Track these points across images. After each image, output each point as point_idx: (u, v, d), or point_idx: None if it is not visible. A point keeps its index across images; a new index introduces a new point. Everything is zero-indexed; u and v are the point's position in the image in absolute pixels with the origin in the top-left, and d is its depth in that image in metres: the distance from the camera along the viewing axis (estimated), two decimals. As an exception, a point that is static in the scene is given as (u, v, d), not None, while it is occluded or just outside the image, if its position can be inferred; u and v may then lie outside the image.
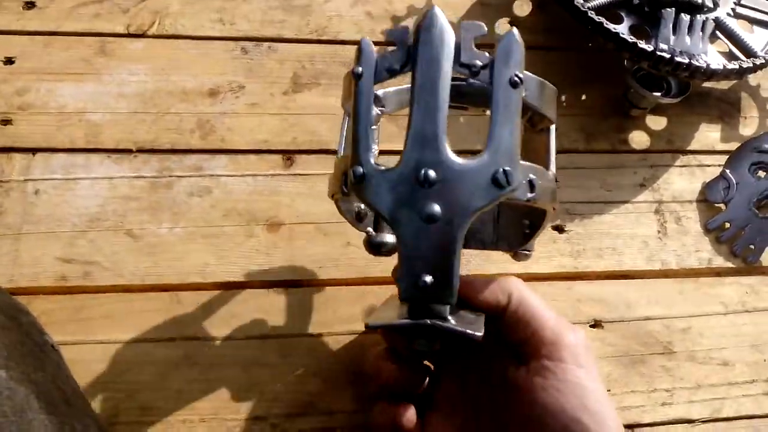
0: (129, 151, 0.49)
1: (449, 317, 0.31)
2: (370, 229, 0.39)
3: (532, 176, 0.31)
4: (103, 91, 0.51)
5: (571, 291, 0.49)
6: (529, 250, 0.38)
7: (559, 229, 0.51)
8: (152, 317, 0.44)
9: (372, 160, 0.30)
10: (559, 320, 0.36)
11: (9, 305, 0.35)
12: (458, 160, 0.30)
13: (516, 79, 0.30)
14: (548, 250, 0.50)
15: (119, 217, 0.47)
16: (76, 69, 0.52)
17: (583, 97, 0.57)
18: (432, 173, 0.29)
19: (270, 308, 0.45)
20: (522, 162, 0.31)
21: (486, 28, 0.30)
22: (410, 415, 0.37)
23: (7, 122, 0.49)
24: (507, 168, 0.30)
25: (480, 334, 0.31)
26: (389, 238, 0.38)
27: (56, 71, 0.51)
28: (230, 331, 0.44)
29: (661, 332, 0.49)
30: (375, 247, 0.38)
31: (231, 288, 0.46)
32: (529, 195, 0.31)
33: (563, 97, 0.57)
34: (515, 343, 0.36)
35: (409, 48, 0.31)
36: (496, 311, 0.36)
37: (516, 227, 0.40)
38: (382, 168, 0.30)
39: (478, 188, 0.30)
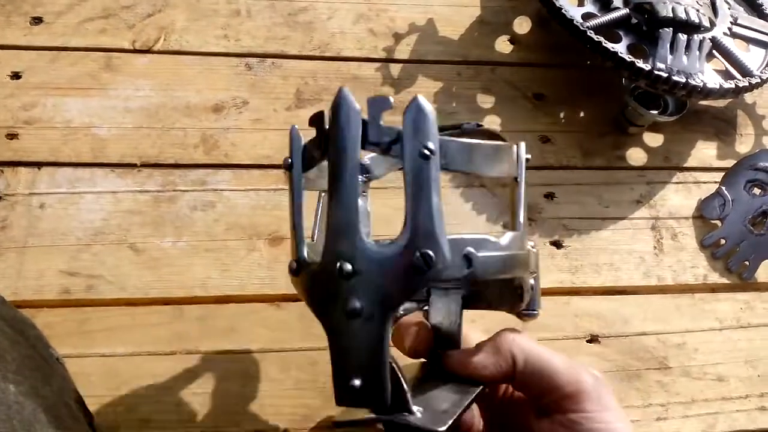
0: (133, 165, 0.50)
1: (414, 409, 0.29)
2: None
3: (469, 249, 0.29)
4: (109, 106, 0.52)
5: (568, 306, 0.50)
6: (533, 310, 0.36)
7: (557, 244, 0.52)
8: (154, 331, 0.44)
9: (305, 253, 0.29)
10: (572, 367, 0.34)
11: (16, 319, 0.35)
12: (374, 248, 0.27)
13: (426, 151, 0.27)
14: (546, 266, 0.51)
15: (123, 231, 0.47)
16: (83, 84, 0.53)
17: (581, 114, 0.58)
18: (348, 266, 0.27)
19: (270, 322, 0.46)
20: (456, 235, 0.28)
21: (392, 102, 0.28)
22: None
23: (13, 136, 0.50)
24: (425, 250, 0.27)
25: (442, 428, 0.29)
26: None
27: (62, 86, 0.52)
28: (231, 345, 0.45)
29: (657, 347, 0.49)
30: None
31: (232, 302, 0.46)
32: (466, 271, 0.28)
33: (562, 114, 0.58)
34: (533, 397, 0.35)
35: (324, 134, 0.29)
36: (504, 378, 0.34)
37: (508, 292, 0.37)
38: (312, 262, 0.29)
39: (397, 277, 0.27)
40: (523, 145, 0.34)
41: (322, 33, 0.58)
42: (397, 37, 0.59)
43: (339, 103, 0.28)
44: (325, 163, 0.29)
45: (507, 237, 0.31)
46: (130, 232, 0.48)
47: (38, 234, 0.47)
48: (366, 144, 0.28)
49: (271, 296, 0.47)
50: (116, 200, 0.49)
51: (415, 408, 0.30)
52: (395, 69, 0.58)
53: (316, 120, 0.30)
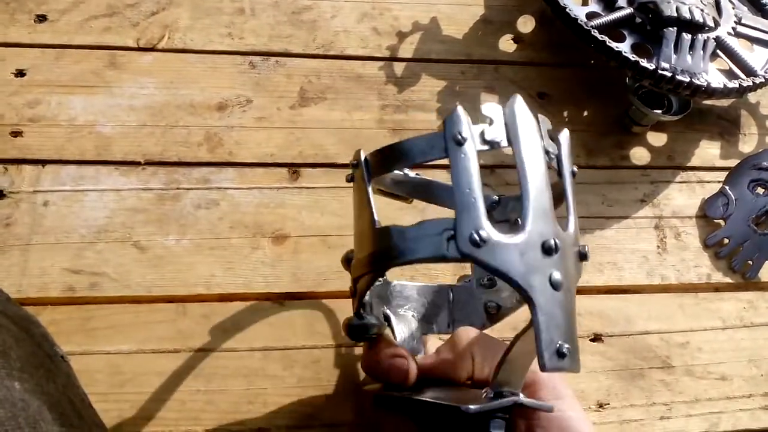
0: (137, 163, 0.50)
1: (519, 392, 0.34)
2: (352, 316, 0.38)
3: (584, 247, 0.34)
4: (113, 104, 0.52)
5: (571, 305, 0.50)
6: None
7: (560, 243, 0.52)
8: (158, 328, 0.45)
9: (490, 226, 0.30)
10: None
11: (21, 317, 0.35)
12: (563, 233, 0.31)
13: (575, 170, 0.34)
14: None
15: (127, 229, 0.48)
16: (87, 82, 0.53)
17: (585, 114, 0.58)
18: (553, 243, 0.30)
19: (274, 320, 0.46)
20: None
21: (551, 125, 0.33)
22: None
23: (17, 134, 0.50)
24: (584, 245, 0.33)
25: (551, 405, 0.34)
26: (372, 320, 0.38)
27: (67, 84, 0.52)
28: (234, 343, 0.45)
29: (660, 346, 0.49)
30: (358, 332, 0.38)
31: (236, 300, 0.46)
32: (579, 264, 0.33)
33: (565, 113, 0.58)
34: None
35: (506, 124, 0.31)
36: (466, 374, 0.36)
37: (475, 307, 0.42)
38: (505, 235, 0.30)
39: (575, 261, 0.32)
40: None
41: (325, 31, 0.58)
42: (401, 36, 0.59)
43: (523, 107, 0.32)
44: None
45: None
46: (134, 229, 0.48)
47: (42, 231, 0.47)
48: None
49: (275, 294, 0.47)
50: (120, 198, 0.49)
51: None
52: (399, 68, 0.58)
53: (491, 109, 0.32)
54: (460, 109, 0.31)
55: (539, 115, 0.33)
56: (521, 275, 0.29)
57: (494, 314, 0.42)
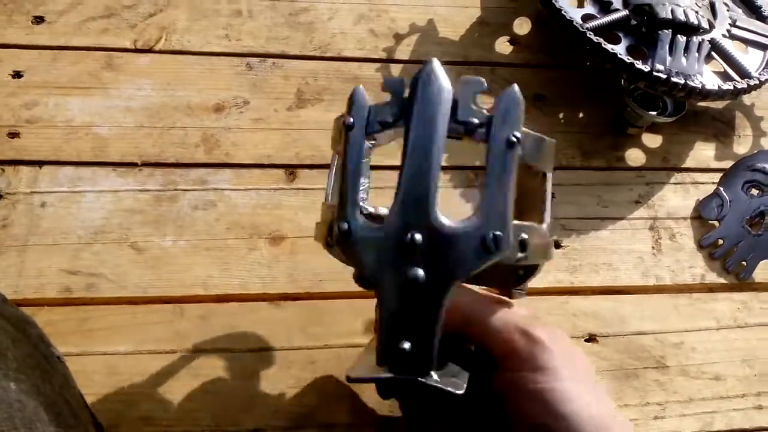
0: (134, 164, 0.50)
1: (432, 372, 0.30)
2: None
3: (524, 236, 0.30)
4: (110, 105, 0.52)
5: (567, 306, 0.50)
6: (523, 290, 0.37)
7: (556, 244, 0.52)
8: (155, 329, 0.45)
9: (359, 217, 0.29)
10: (507, 326, 0.34)
11: (17, 317, 0.36)
12: (447, 223, 0.29)
13: (513, 138, 0.29)
14: (545, 265, 0.51)
15: (124, 230, 0.48)
16: (84, 83, 0.53)
17: (581, 115, 0.58)
18: (418, 237, 0.28)
19: (271, 321, 0.46)
20: (515, 221, 0.29)
21: (486, 84, 0.30)
22: None
23: (14, 135, 0.50)
24: (497, 233, 0.28)
25: (461, 391, 0.30)
26: None
27: (64, 85, 0.52)
28: (231, 344, 0.45)
29: (655, 347, 0.50)
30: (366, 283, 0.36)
31: (233, 301, 0.47)
32: (520, 255, 0.30)
33: (561, 115, 0.58)
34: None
35: (403, 101, 0.30)
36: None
37: (509, 271, 0.38)
38: (368, 226, 0.29)
39: (466, 253, 0.29)
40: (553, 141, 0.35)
41: (322, 33, 0.58)
42: (398, 38, 0.59)
43: (430, 75, 0.29)
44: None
45: (545, 227, 0.32)
46: (131, 231, 0.48)
47: (39, 233, 0.47)
48: (452, 121, 0.29)
49: (272, 295, 0.47)
50: (117, 199, 0.49)
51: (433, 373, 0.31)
52: (396, 69, 0.58)
53: (394, 84, 0.30)
54: (357, 91, 0.30)
55: (470, 78, 0.29)
56: (371, 269, 0.29)
57: (522, 276, 0.38)
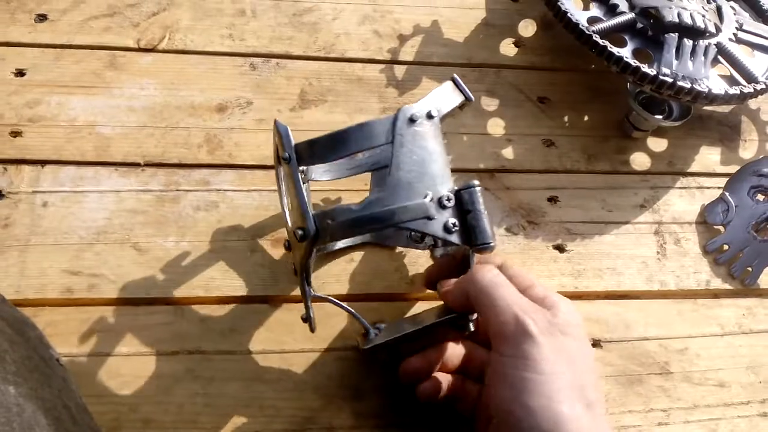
0: (137, 164, 0.50)
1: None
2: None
3: (328, 221, 0.38)
4: (113, 105, 0.52)
5: (570, 311, 0.50)
6: (485, 243, 0.39)
7: (560, 248, 0.52)
8: (156, 331, 0.44)
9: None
10: (509, 308, 0.36)
11: (16, 319, 0.35)
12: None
13: (285, 156, 0.39)
14: (549, 269, 0.51)
15: (126, 231, 0.47)
16: (87, 82, 0.52)
17: (586, 118, 0.58)
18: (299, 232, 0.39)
19: (272, 323, 0.46)
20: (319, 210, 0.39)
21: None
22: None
23: (17, 134, 0.50)
24: (298, 227, 0.39)
25: (366, 347, 0.42)
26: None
27: (67, 84, 0.52)
28: (232, 346, 0.45)
29: (659, 353, 0.49)
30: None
31: (234, 302, 0.46)
32: (328, 237, 0.39)
33: (566, 118, 0.58)
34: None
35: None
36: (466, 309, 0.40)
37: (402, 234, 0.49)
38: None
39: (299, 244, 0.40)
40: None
41: (326, 34, 0.58)
42: (402, 39, 0.59)
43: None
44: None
45: (364, 202, 0.38)
46: (132, 231, 0.48)
47: (41, 232, 0.47)
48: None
49: (273, 297, 0.47)
50: (119, 199, 0.49)
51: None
52: (399, 70, 0.57)
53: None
54: (279, 125, 0.39)
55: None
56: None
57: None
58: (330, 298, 0.42)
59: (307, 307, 0.41)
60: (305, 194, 0.38)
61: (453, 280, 0.41)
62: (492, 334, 0.37)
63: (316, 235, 0.37)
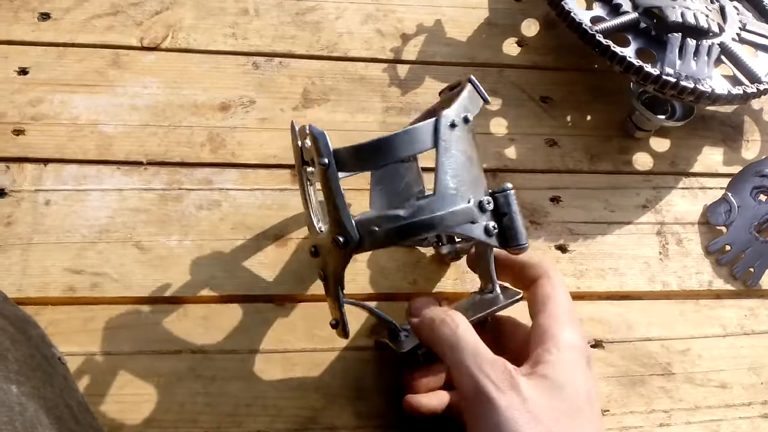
0: (140, 163, 0.50)
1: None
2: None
3: (374, 228, 0.37)
4: (116, 103, 0.52)
5: (572, 311, 0.50)
6: (519, 245, 0.40)
7: (562, 248, 0.52)
8: (158, 329, 0.44)
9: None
10: (465, 369, 0.36)
11: (18, 318, 0.35)
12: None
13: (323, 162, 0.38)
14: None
15: (128, 229, 0.47)
16: (90, 81, 0.52)
17: (588, 118, 0.58)
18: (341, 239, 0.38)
19: (275, 323, 0.46)
20: (363, 216, 0.38)
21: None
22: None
23: (19, 132, 0.50)
24: (338, 235, 0.38)
25: (402, 351, 0.42)
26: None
27: (70, 82, 0.52)
28: (235, 345, 0.45)
29: (661, 353, 0.49)
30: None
31: (237, 302, 0.46)
32: (366, 242, 0.38)
33: (568, 118, 0.58)
34: None
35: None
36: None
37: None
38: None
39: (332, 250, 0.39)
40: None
41: (329, 33, 0.58)
42: (405, 38, 0.59)
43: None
44: None
45: (411, 207, 0.37)
46: (135, 230, 0.48)
47: (43, 231, 0.47)
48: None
49: (276, 296, 0.47)
50: (122, 198, 0.49)
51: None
52: (402, 70, 0.57)
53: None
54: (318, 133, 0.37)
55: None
56: None
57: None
58: (364, 303, 0.42)
59: (341, 314, 0.40)
60: (344, 199, 0.37)
61: (426, 310, 0.41)
62: (455, 385, 0.38)
63: (360, 242, 0.37)
